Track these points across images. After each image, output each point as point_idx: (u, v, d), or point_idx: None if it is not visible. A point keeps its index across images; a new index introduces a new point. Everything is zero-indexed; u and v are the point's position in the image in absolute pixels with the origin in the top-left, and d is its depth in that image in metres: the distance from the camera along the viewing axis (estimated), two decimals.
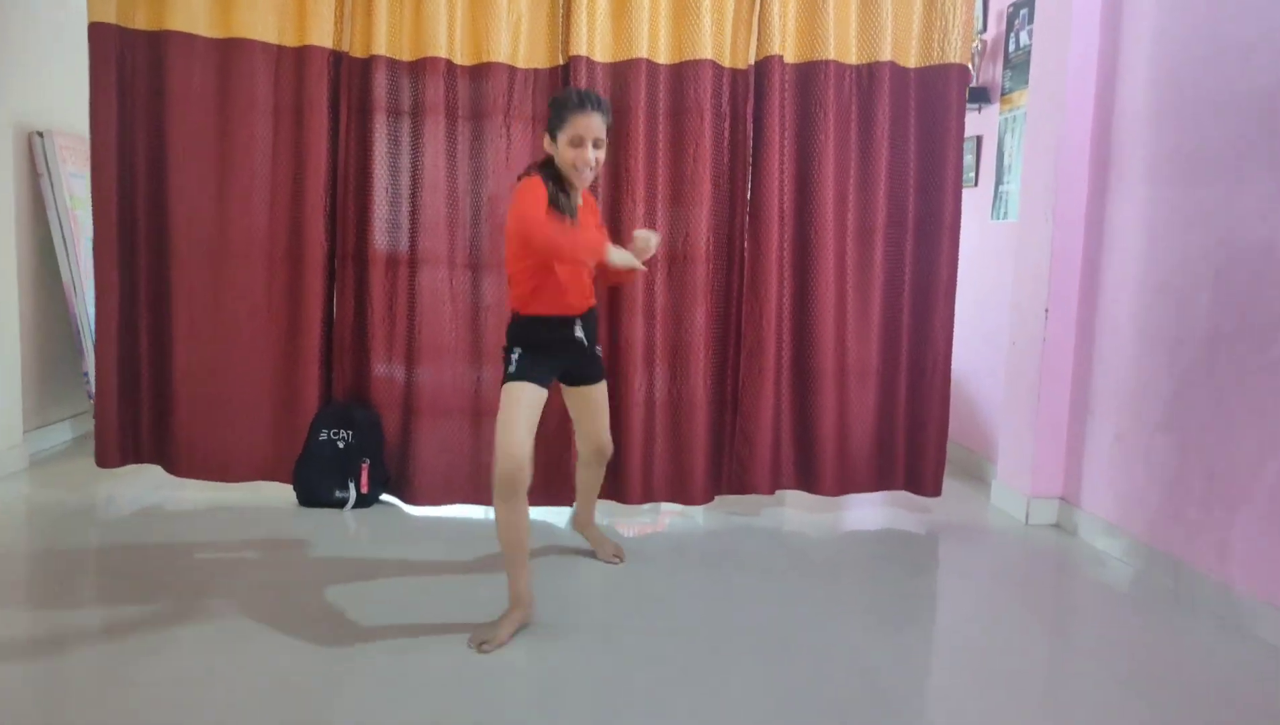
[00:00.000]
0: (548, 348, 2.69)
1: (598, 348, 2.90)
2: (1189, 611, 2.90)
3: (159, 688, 2.19)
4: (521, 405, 2.56)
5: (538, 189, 2.51)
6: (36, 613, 2.62)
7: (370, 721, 2.08)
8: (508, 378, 2.62)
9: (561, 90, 2.56)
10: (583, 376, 2.88)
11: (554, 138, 2.58)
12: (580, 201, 2.67)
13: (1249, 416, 2.78)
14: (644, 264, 2.63)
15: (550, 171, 2.60)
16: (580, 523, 3.26)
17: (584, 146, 2.54)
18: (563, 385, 2.90)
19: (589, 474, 3.12)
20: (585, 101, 2.54)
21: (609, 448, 3.04)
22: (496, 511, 2.51)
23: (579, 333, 2.75)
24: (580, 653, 2.45)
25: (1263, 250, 2.75)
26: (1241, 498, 2.80)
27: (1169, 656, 2.60)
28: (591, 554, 3.22)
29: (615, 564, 3.12)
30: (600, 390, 2.93)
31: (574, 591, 2.91)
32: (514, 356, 2.64)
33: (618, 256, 2.48)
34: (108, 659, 2.33)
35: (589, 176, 2.59)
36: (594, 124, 2.53)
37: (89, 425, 4.58)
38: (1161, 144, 3.23)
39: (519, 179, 2.63)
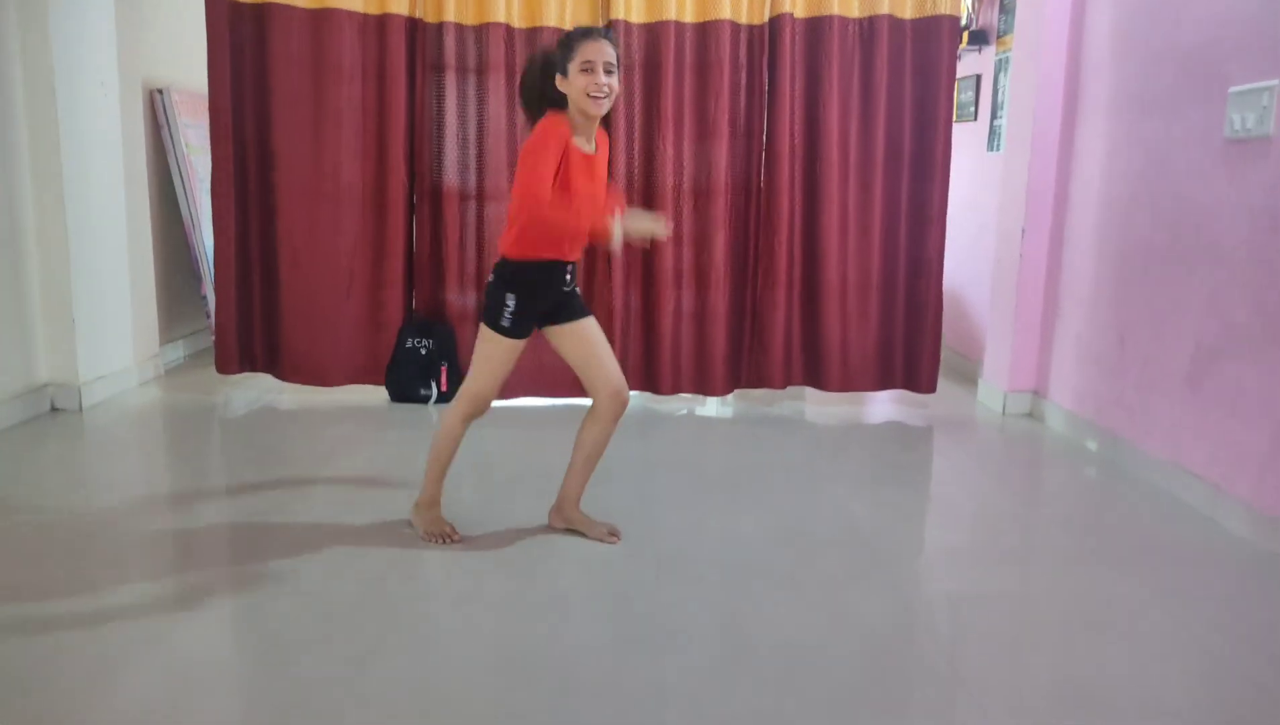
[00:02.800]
0: (540, 293, 2.62)
1: (577, 287, 2.76)
2: (1122, 475, 3.52)
3: (287, 540, 2.94)
4: (502, 361, 2.63)
5: (556, 133, 2.44)
6: (185, 484, 3.41)
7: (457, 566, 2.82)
8: (498, 327, 2.59)
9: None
10: (569, 313, 2.69)
11: (565, 72, 2.45)
12: (595, 147, 2.58)
13: (1173, 315, 3.37)
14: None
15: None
16: (566, 504, 2.85)
17: (595, 71, 2.41)
18: (550, 329, 2.70)
19: (598, 432, 2.74)
20: (591, 30, 2.47)
21: (626, 390, 2.71)
22: (453, 427, 2.70)
23: (568, 276, 2.66)
24: (617, 498, 3.15)
25: (1186, 174, 3.31)
26: (1164, 382, 3.41)
27: (1095, 506, 3.26)
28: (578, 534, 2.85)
29: (613, 543, 2.78)
30: (594, 324, 2.73)
31: (613, 460, 3.52)
32: (509, 306, 2.58)
33: (620, 228, 2.47)
34: (244, 514, 3.09)
35: (605, 105, 2.45)
36: (603, 48, 2.43)
37: (203, 342, 5.38)
38: (1118, 84, 3.76)
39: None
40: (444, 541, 2.75)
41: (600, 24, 4.14)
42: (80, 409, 4.08)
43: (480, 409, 2.70)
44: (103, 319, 4.28)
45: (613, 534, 2.81)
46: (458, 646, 2.19)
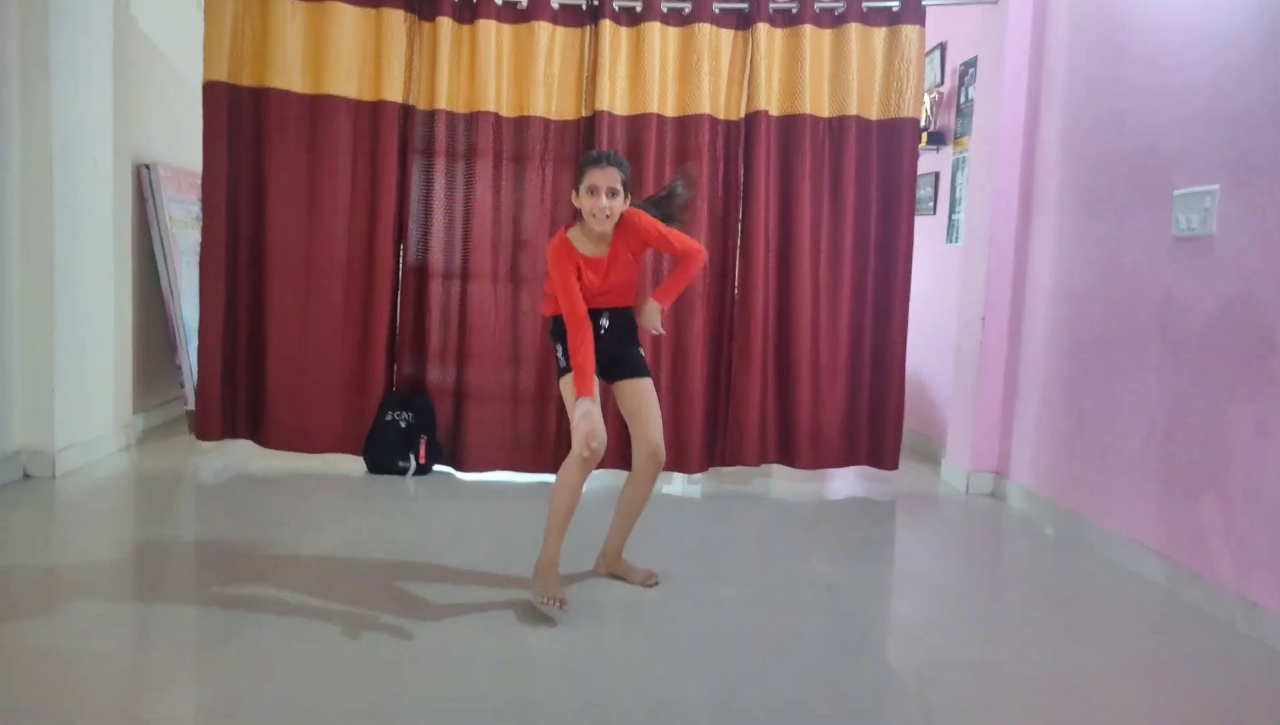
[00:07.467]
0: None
1: (638, 348, 3.08)
2: (1083, 551, 3.67)
3: (258, 623, 2.96)
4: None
5: (561, 255, 2.85)
6: (173, 549, 3.42)
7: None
8: (561, 372, 2.99)
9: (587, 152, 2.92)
10: (626, 371, 3.02)
11: (577, 191, 2.89)
12: (607, 250, 2.94)
13: (1129, 400, 3.58)
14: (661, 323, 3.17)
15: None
16: (610, 555, 3.15)
17: (598, 195, 2.81)
18: (614, 385, 3.04)
19: (635, 491, 3.04)
20: (600, 158, 2.88)
21: (661, 451, 2.97)
22: (570, 479, 2.86)
23: (603, 321, 2.98)
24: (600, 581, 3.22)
25: (1137, 270, 3.55)
26: (1121, 463, 3.59)
27: (1057, 579, 3.40)
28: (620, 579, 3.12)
29: (652, 586, 3.07)
30: (642, 385, 3.02)
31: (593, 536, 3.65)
32: (560, 351, 2.98)
33: (579, 401, 2.77)
34: (216, 591, 3.10)
35: (605, 222, 2.85)
36: (607, 175, 2.82)
37: (175, 411, 5.39)
38: (1069, 184, 4.04)
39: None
40: (555, 604, 2.77)
41: (584, 114, 4.35)
42: (54, 476, 4.06)
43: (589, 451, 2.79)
44: (82, 387, 4.29)
45: (651, 577, 3.09)
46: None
